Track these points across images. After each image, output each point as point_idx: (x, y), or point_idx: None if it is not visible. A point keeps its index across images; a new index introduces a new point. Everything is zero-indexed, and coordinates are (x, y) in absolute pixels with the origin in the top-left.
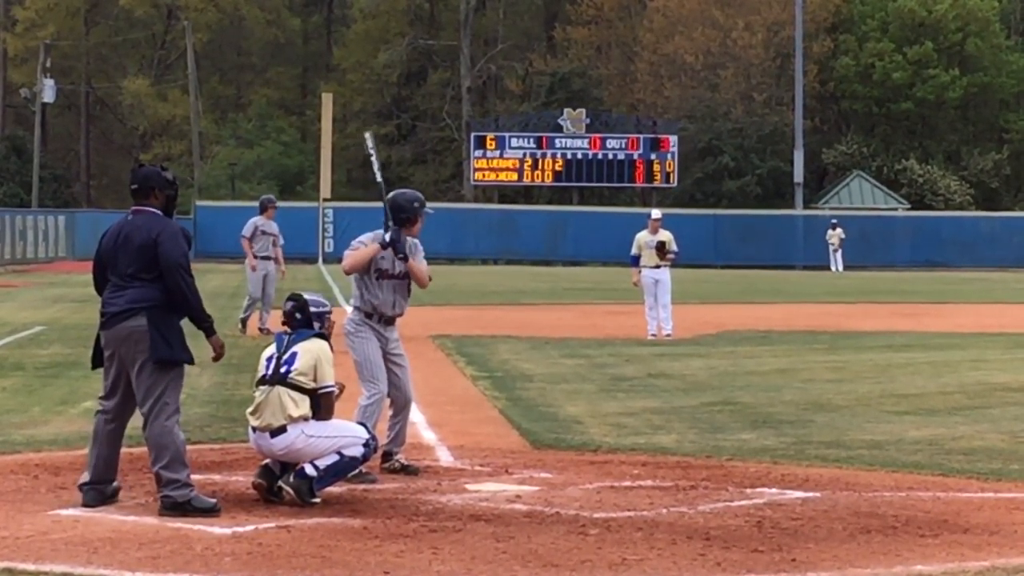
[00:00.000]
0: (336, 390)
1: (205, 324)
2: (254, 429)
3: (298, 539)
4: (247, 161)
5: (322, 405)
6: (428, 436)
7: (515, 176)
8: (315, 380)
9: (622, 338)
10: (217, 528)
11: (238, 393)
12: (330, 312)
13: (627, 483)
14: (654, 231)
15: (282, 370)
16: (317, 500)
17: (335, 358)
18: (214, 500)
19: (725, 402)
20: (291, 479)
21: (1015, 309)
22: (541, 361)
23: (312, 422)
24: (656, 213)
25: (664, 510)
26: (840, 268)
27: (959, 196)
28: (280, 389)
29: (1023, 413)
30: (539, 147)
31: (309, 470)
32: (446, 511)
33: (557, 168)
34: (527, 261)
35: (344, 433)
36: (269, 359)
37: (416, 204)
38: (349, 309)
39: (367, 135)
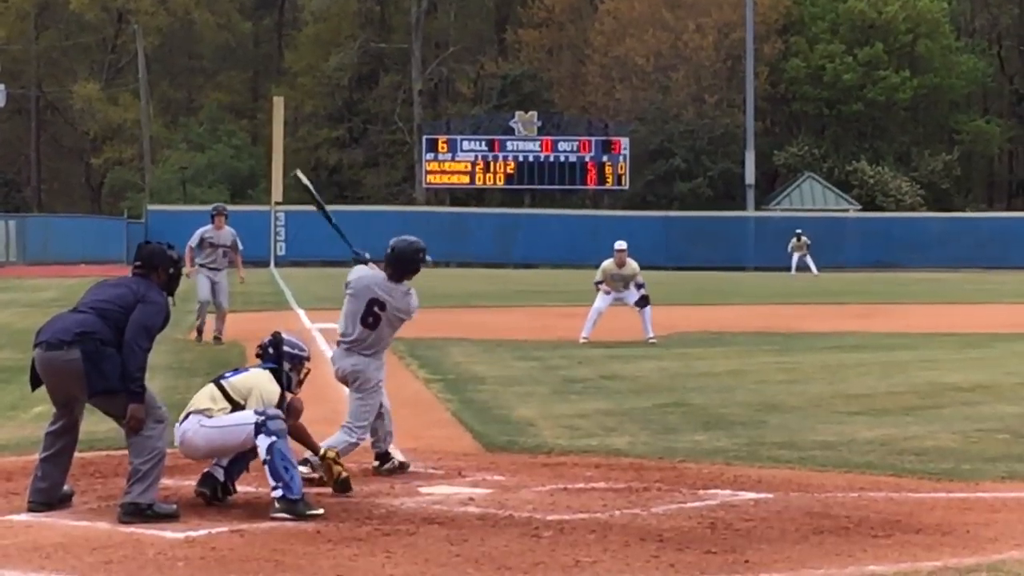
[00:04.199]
0: (271, 414)
1: (135, 388)
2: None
3: (251, 543)
4: (198, 165)
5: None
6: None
7: (467, 179)
8: (243, 396)
9: (574, 340)
10: (170, 532)
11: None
12: (307, 359)
13: (580, 485)
14: (620, 263)
15: (223, 374)
16: (319, 511)
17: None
18: (174, 506)
19: (677, 404)
20: (275, 508)
21: (965, 309)
22: (493, 363)
23: (212, 417)
24: (621, 244)
25: (617, 512)
26: (814, 271)
27: (910, 197)
28: (209, 385)
29: (974, 413)
30: (491, 150)
31: (276, 493)
32: (399, 514)
33: (509, 171)
34: (479, 264)
35: (230, 423)
36: (227, 371)
37: (421, 255)
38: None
39: (298, 173)
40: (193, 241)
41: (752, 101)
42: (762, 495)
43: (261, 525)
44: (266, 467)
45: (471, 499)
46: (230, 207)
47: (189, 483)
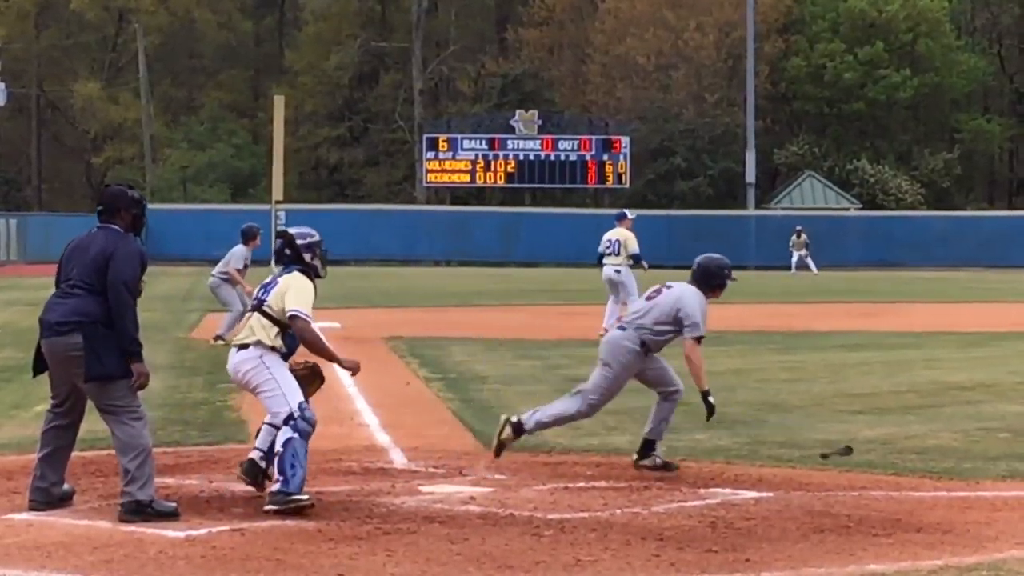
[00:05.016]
0: (302, 316)
1: (132, 348)
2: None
3: (252, 542)
4: (199, 164)
5: (295, 332)
6: (382, 438)
7: (467, 178)
8: (282, 307)
9: (576, 339)
10: (171, 531)
11: (191, 396)
12: (320, 241)
13: (581, 484)
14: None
15: (261, 297)
16: (306, 498)
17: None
18: (174, 504)
19: (679, 402)
20: (267, 500)
21: (967, 308)
22: (495, 362)
23: (275, 358)
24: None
25: (618, 511)
26: (813, 269)
27: (910, 196)
28: (256, 315)
29: (976, 412)
30: (491, 148)
31: (272, 487)
32: (400, 513)
33: (509, 169)
34: (480, 263)
35: (283, 391)
36: (259, 288)
37: (726, 271)
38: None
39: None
40: (238, 264)
41: (753, 100)
42: (763, 494)
43: (262, 524)
44: (275, 458)
45: (472, 498)
46: (230, 206)
47: (190, 482)
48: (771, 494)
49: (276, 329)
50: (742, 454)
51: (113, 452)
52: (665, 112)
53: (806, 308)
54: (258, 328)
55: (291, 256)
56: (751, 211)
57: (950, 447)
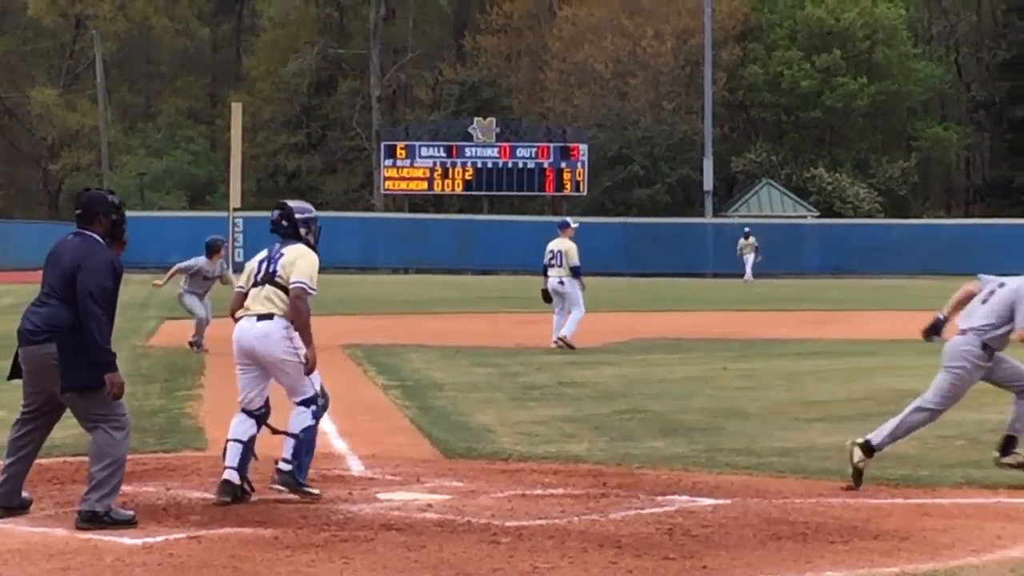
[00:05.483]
0: (307, 289)
1: (104, 359)
2: (240, 319)
3: (209, 549)
4: (156, 171)
5: (290, 301)
6: (339, 445)
7: (425, 185)
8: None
9: (533, 347)
10: (127, 539)
11: (148, 404)
12: (316, 218)
13: (538, 491)
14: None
15: (271, 269)
16: (316, 491)
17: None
18: (132, 512)
19: (636, 410)
20: (276, 479)
21: (924, 316)
22: (452, 370)
23: (294, 333)
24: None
25: (575, 518)
26: (750, 277)
27: (867, 203)
28: (269, 287)
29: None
30: (449, 156)
31: (284, 466)
32: (357, 520)
33: (467, 177)
34: (438, 270)
35: (300, 369)
36: (261, 262)
37: None
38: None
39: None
40: (185, 267)
41: (710, 107)
42: (720, 501)
43: (218, 531)
44: (293, 441)
45: (429, 505)
46: (187, 213)
47: (147, 489)
48: (728, 501)
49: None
50: (700, 461)
51: (69, 460)
52: (623, 119)
53: (762, 316)
54: (276, 299)
55: (288, 228)
56: (708, 219)
57: (907, 454)
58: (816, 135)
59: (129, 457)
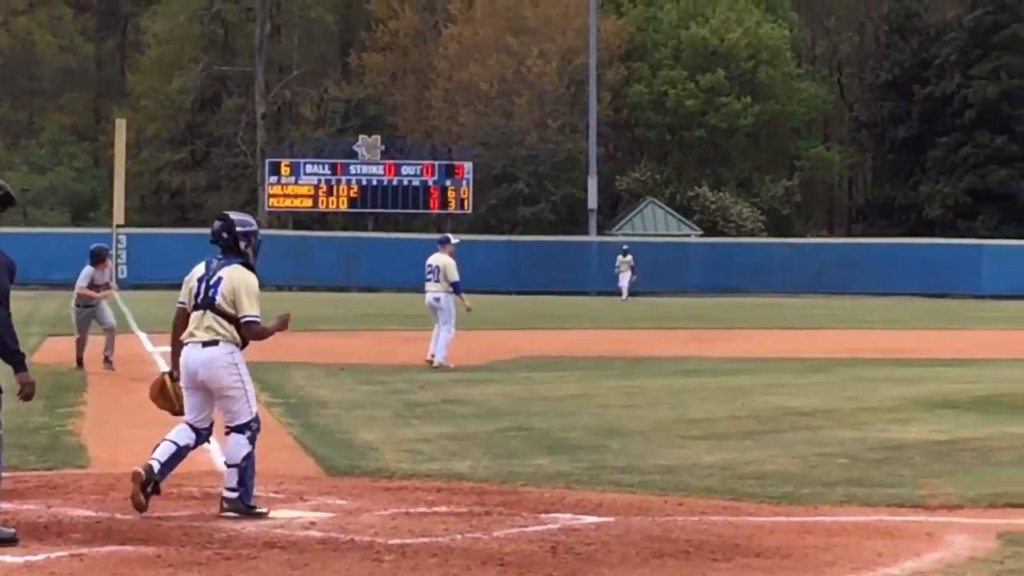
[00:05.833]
0: (257, 321)
1: (14, 359)
2: (186, 344)
3: (91, 567)
4: (39, 187)
5: (244, 335)
6: (223, 463)
7: (310, 202)
8: (236, 309)
9: (418, 364)
10: (8, 557)
11: (30, 421)
12: (257, 232)
13: (422, 509)
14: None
15: (210, 294)
16: (264, 509)
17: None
18: (13, 530)
19: (520, 428)
20: (225, 507)
21: (807, 334)
22: (336, 387)
23: (242, 357)
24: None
25: (459, 536)
26: (624, 295)
27: (751, 222)
28: (211, 314)
29: (814, 437)
30: (334, 173)
31: (230, 495)
32: (240, 538)
33: (352, 194)
34: (322, 287)
35: (249, 396)
36: (200, 281)
37: None
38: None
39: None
40: (84, 282)
41: (595, 126)
42: (603, 519)
43: (101, 549)
44: (234, 470)
45: (313, 523)
46: (70, 230)
47: (28, 507)
48: (612, 519)
49: (234, 326)
50: (583, 479)
51: None
52: (508, 138)
53: (646, 334)
54: (217, 326)
55: (228, 240)
56: (593, 237)
57: (789, 472)
58: (700, 154)
59: (9, 475)
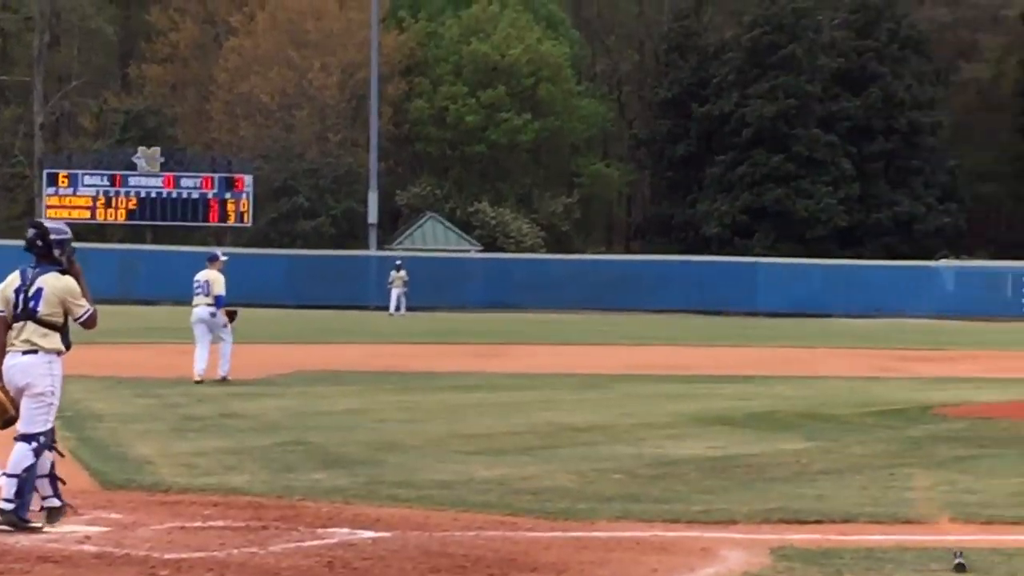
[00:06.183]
0: (92, 309)
1: None
2: (8, 353)
3: None
4: None
5: (88, 328)
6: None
7: (88, 214)
8: (66, 314)
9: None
10: None
11: None
12: (71, 240)
13: (198, 523)
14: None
15: (30, 306)
16: (38, 524)
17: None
18: None
19: (297, 442)
20: (2, 520)
21: (585, 350)
22: (112, 400)
23: (60, 367)
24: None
25: (235, 550)
26: (402, 310)
27: (530, 238)
28: (32, 325)
29: (591, 453)
30: (113, 185)
31: (6, 505)
32: (13, 552)
33: (131, 206)
34: (100, 300)
35: (52, 410)
36: (18, 292)
37: None
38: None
39: None
40: None
41: (376, 141)
42: (380, 533)
43: None
44: (14, 481)
45: (87, 537)
46: None
47: None
48: (389, 534)
49: (56, 334)
50: (360, 494)
51: None
52: (288, 151)
53: (426, 349)
54: (38, 336)
55: (42, 248)
56: (373, 251)
57: (565, 488)
58: (480, 170)
59: None
